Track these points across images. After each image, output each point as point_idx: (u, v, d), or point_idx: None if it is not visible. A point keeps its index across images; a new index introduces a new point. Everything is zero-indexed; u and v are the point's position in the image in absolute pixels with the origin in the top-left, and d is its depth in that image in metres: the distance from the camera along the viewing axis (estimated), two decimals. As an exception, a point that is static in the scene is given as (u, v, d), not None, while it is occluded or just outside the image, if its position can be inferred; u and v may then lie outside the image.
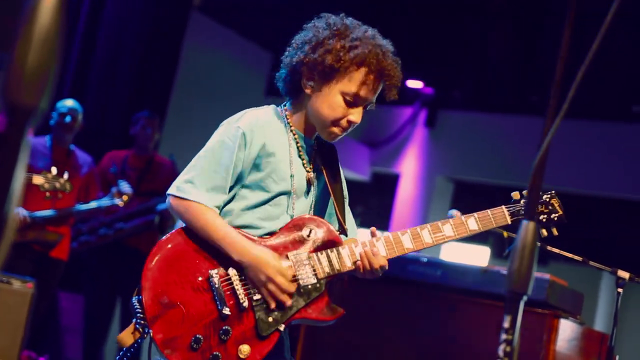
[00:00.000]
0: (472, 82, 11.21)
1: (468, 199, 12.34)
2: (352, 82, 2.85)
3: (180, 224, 2.88)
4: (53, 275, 6.29)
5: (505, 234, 4.19)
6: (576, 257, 4.16)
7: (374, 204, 14.38)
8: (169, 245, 2.76)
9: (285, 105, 3.01)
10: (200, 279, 2.74)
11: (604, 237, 12.42)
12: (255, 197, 2.84)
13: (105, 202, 6.10)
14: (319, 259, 2.83)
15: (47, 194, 5.10)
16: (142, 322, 2.66)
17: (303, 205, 2.94)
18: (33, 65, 1.10)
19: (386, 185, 12.47)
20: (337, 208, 2.98)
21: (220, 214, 2.82)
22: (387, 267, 2.88)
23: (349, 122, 2.90)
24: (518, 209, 3.04)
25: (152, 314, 2.67)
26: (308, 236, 2.85)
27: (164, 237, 2.80)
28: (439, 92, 11.65)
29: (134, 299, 2.71)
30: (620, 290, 4.10)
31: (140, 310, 2.67)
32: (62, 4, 1.12)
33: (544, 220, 3.10)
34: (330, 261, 2.84)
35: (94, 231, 6.67)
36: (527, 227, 1.71)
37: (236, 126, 2.83)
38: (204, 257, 2.76)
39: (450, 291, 4.61)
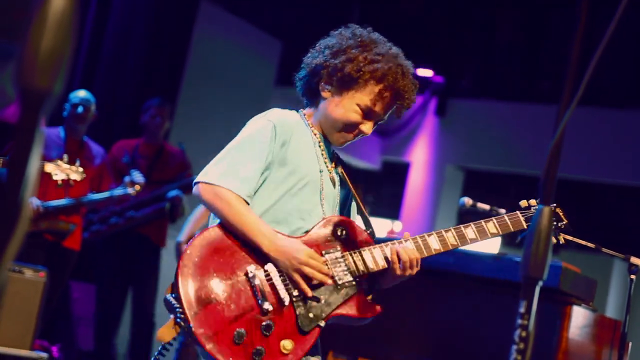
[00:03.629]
0: (482, 70, 11.17)
1: (478, 187, 12.32)
2: (368, 96, 2.90)
3: (212, 219, 2.87)
4: (65, 265, 6.31)
5: (517, 221, 4.17)
6: (589, 244, 4.14)
7: (384, 193, 14.36)
8: (205, 242, 2.74)
9: (303, 109, 3.06)
10: (238, 274, 2.73)
11: (617, 224, 12.39)
12: (279, 190, 2.84)
13: (118, 191, 6.10)
14: (352, 258, 2.86)
15: (59, 182, 5.10)
16: (182, 316, 2.63)
17: (331, 202, 2.97)
18: (47, 50, 1.10)
19: (396, 174, 12.46)
20: (364, 211, 3.02)
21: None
22: (419, 264, 2.93)
23: (359, 132, 2.96)
24: (531, 215, 3.10)
25: (191, 310, 2.64)
26: (340, 236, 2.88)
27: (198, 233, 2.77)
28: (449, 80, 11.62)
29: (169, 297, 2.68)
30: (633, 277, 4.09)
31: (178, 307, 2.64)
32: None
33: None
34: (364, 260, 2.87)
35: (104, 220, 6.68)
36: (543, 212, 1.70)
37: (267, 119, 2.85)
38: (241, 254, 2.75)
39: (463, 278, 4.60)
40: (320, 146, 2.97)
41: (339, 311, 2.82)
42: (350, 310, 2.85)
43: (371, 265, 2.88)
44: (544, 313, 4.04)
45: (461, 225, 3.05)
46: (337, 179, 3.02)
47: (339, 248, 2.87)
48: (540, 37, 10.34)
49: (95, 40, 7.86)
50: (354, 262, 2.86)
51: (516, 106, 11.33)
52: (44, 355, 5.38)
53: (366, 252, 2.88)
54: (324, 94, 2.95)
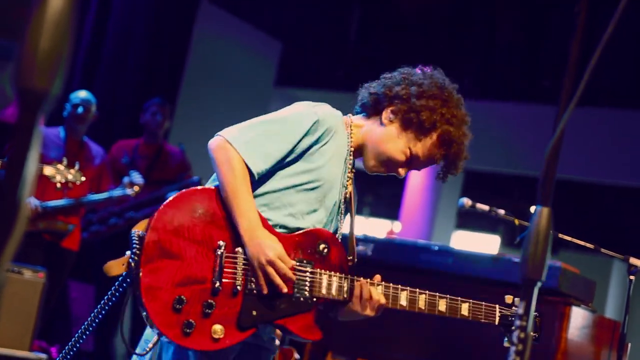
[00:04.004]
0: (482, 70, 11.17)
1: (478, 188, 12.33)
2: (425, 147, 2.90)
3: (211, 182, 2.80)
4: (64, 265, 6.30)
5: (516, 221, 4.17)
6: (588, 245, 4.14)
7: (383, 193, 14.37)
8: (193, 198, 2.65)
9: (353, 115, 3.01)
10: (208, 243, 2.64)
11: (616, 225, 12.40)
12: (289, 181, 2.77)
13: (117, 192, 6.10)
14: (320, 278, 2.77)
15: (58, 185, 5.10)
16: (136, 258, 2.56)
17: (333, 217, 2.91)
18: (45, 50, 1.09)
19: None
20: (353, 238, 2.95)
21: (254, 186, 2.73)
22: (381, 311, 2.87)
23: (395, 172, 2.94)
24: (509, 314, 3.07)
25: (148, 255, 2.57)
26: (321, 251, 2.79)
27: (194, 190, 2.68)
28: (452, 81, 11.60)
29: (135, 232, 2.61)
30: (632, 277, 4.09)
31: (138, 246, 2.57)
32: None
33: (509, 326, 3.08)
34: (329, 284, 2.78)
35: (104, 221, 6.68)
36: (541, 212, 1.70)
37: (313, 111, 2.78)
38: (220, 224, 2.66)
39: (461, 279, 4.60)
40: (350, 159, 2.93)
41: (282, 321, 2.74)
42: (293, 325, 2.75)
43: (334, 292, 2.78)
44: (543, 314, 4.04)
45: (437, 294, 2.99)
46: (347, 198, 2.96)
47: (313, 262, 2.77)
48: (541, 37, 10.34)
49: (95, 40, 7.86)
50: (320, 282, 2.76)
51: (516, 106, 11.33)
52: (43, 356, 5.38)
53: (335, 278, 2.79)
54: (386, 121, 2.91)
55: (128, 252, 2.61)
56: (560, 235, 4.18)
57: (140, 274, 2.56)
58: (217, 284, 2.62)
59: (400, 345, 4.73)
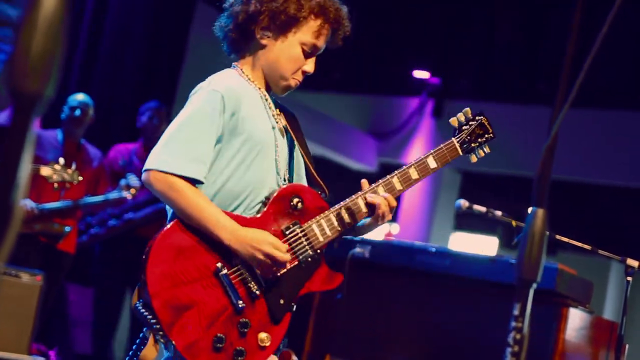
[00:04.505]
0: (480, 71, 11.18)
1: (476, 189, 12.33)
2: (310, 33, 2.83)
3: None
4: (61, 268, 6.30)
5: (513, 222, 4.18)
6: (585, 246, 4.15)
7: (381, 195, 14.35)
8: (166, 244, 2.61)
9: (236, 62, 2.91)
10: (206, 274, 2.62)
11: (613, 226, 12.41)
12: (234, 162, 2.72)
13: (113, 194, 6.10)
14: (312, 230, 2.78)
15: (55, 185, 5.10)
16: (161, 332, 2.54)
17: (283, 156, 2.87)
18: (38, 52, 1.09)
19: (394, 176, 12.44)
20: (312, 169, 2.94)
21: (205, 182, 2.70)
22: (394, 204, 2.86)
23: (304, 73, 2.89)
24: (463, 137, 3.09)
25: (167, 321, 2.54)
26: (296, 207, 2.77)
27: (159, 235, 2.63)
28: (446, 81, 11.63)
29: (139, 304, 2.59)
30: (629, 278, 4.09)
31: (152, 318, 2.55)
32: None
33: (482, 141, 3.16)
34: (322, 229, 2.79)
35: (103, 223, 6.67)
36: (537, 214, 1.70)
37: (212, 89, 2.70)
38: (206, 251, 2.63)
39: (458, 281, 4.60)
40: (266, 100, 2.86)
41: (306, 289, 2.78)
42: (316, 285, 2.79)
43: (330, 233, 2.80)
44: (540, 315, 4.04)
45: (405, 167, 2.97)
46: (283, 128, 2.92)
47: (297, 221, 2.77)
48: (539, 38, 10.34)
49: (92, 42, 7.85)
50: (314, 234, 2.77)
51: (514, 107, 11.33)
52: (42, 359, 5.37)
53: (323, 221, 2.79)
54: (264, 41, 2.82)
55: (148, 332, 2.61)
56: (558, 237, 4.18)
57: (173, 341, 2.54)
58: (239, 302, 2.64)
59: (397, 347, 4.73)
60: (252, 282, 2.67)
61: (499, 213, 4.32)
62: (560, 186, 10.52)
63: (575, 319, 4.30)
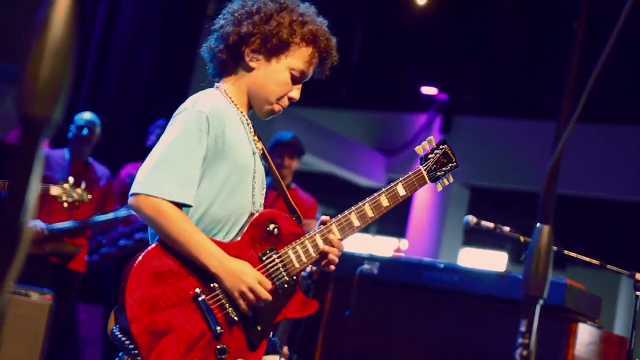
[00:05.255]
0: (487, 86, 11.20)
1: (484, 204, 12.32)
2: (300, 59, 2.82)
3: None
4: (71, 287, 6.31)
5: (522, 238, 4.18)
6: (594, 261, 4.14)
7: (390, 211, 14.35)
8: (147, 268, 2.59)
9: (219, 84, 2.88)
10: (185, 299, 2.59)
11: (622, 240, 12.38)
12: (217, 185, 2.70)
13: (122, 212, 6.11)
14: (288, 256, 2.76)
15: (65, 204, 5.12)
16: (139, 358, 2.50)
17: (259, 182, 2.85)
18: (46, 78, 1.11)
19: (402, 192, 12.44)
20: (287, 192, 2.93)
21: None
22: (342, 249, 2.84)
23: (289, 99, 2.86)
24: (430, 165, 3.08)
25: (145, 346, 2.51)
26: (272, 232, 2.76)
27: (138, 259, 2.60)
28: (454, 97, 11.64)
29: (116, 329, 2.56)
30: (638, 293, 4.08)
31: (130, 344, 2.51)
32: (75, 16, 1.13)
33: (446, 170, 3.12)
34: (298, 255, 2.77)
35: (114, 242, 6.69)
36: (542, 230, 1.71)
37: (197, 110, 2.66)
38: (184, 275, 2.61)
39: (467, 297, 4.60)
40: (247, 124, 2.84)
41: (282, 315, 2.76)
42: (292, 311, 2.78)
43: (305, 259, 2.78)
44: (549, 331, 4.04)
45: (376, 194, 2.97)
46: (260, 153, 2.90)
47: (274, 247, 2.75)
48: (545, 53, 10.36)
49: (100, 60, 7.90)
50: (290, 260, 2.75)
51: (521, 122, 11.34)
52: (51, 377, 5.38)
53: (298, 247, 2.78)
54: (253, 63, 2.80)
55: (126, 357, 2.54)
56: (566, 252, 4.17)
57: None
58: (217, 328, 2.61)
59: (401, 358, 4.72)
60: (230, 308, 2.65)
61: (506, 229, 4.32)
62: (568, 201, 10.51)
63: (585, 334, 4.29)
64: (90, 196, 5.26)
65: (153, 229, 2.65)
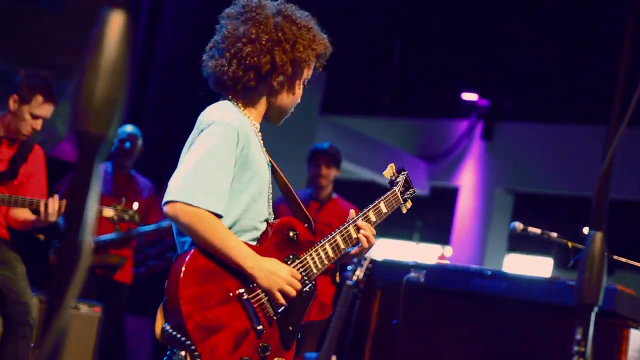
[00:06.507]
0: (527, 91, 11.12)
1: (529, 210, 12.22)
2: (310, 70, 2.97)
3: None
4: (118, 299, 6.36)
5: (569, 244, 4.14)
6: (643, 266, 4.09)
7: (433, 219, 14.29)
8: (196, 268, 2.67)
9: (232, 98, 2.93)
10: (230, 298, 2.70)
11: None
12: (247, 196, 2.79)
13: (165, 223, 6.15)
14: (307, 262, 2.88)
15: (117, 226, 5.18)
16: (196, 353, 2.59)
17: (269, 191, 2.95)
18: (101, 97, 1.13)
19: (445, 199, 12.41)
20: (298, 201, 3.01)
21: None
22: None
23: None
24: (399, 188, 3.23)
25: (199, 342, 2.61)
26: (293, 239, 2.87)
27: (186, 260, 2.67)
28: (495, 103, 11.58)
29: (167, 327, 2.65)
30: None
31: (186, 339, 2.60)
32: (128, 35, 1.15)
33: (408, 195, 3.26)
34: (315, 261, 2.89)
35: (161, 255, 6.73)
36: (595, 237, 1.69)
37: (227, 124, 2.75)
38: (227, 276, 2.71)
39: (515, 304, 4.56)
40: (260, 137, 2.92)
41: (306, 318, 2.88)
42: (313, 314, 2.91)
43: (321, 265, 2.90)
44: (600, 337, 3.99)
45: (377, 202, 3.13)
46: (269, 164, 2.99)
47: (295, 253, 2.87)
48: (586, 57, 10.26)
49: (141, 72, 7.97)
50: (309, 265, 2.87)
51: (563, 127, 11.25)
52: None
53: (315, 253, 2.89)
54: (278, 86, 2.88)
55: (182, 352, 2.62)
56: (615, 257, 4.13)
57: None
58: (260, 327, 2.73)
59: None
60: (270, 308, 2.76)
61: (554, 234, 4.29)
62: (614, 205, 10.37)
63: (636, 340, 4.24)
64: (139, 217, 5.28)
65: (190, 236, 2.71)
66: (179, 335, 2.61)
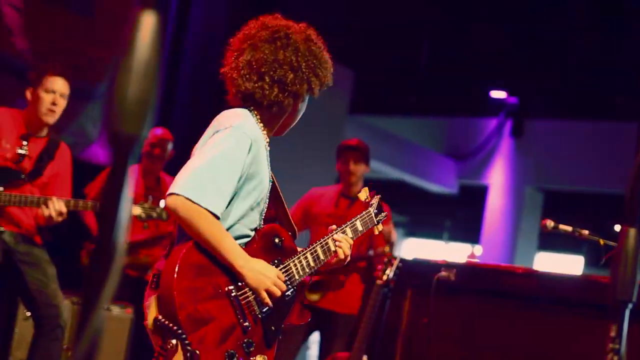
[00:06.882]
0: (557, 88, 11.05)
1: (559, 208, 12.15)
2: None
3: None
4: (149, 300, 6.39)
5: (601, 241, 4.11)
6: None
7: (462, 217, 14.24)
8: (190, 262, 2.77)
9: (253, 109, 3.04)
10: (220, 294, 2.80)
11: None
12: (247, 203, 2.90)
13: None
14: (290, 268, 2.98)
15: (145, 224, 5.21)
16: (186, 341, 2.68)
17: (265, 207, 3.07)
18: (133, 97, 1.13)
19: (474, 197, 12.37)
20: (287, 211, 3.12)
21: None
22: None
23: None
24: (374, 209, 3.33)
25: (189, 332, 2.70)
26: (278, 245, 2.99)
27: (183, 252, 2.77)
28: (524, 100, 11.51)
29: (158, 320, 2.73)
30: None
31: (177, 328, 2.69)
32: (160, 36, 1.15)
33: (380, 218, 3.36)
34: (298, 268, 2.99)
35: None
36: (629, 233, 1.68)
37: (243, 132, 2.87)
38: (218, 272, 2.81)
39: (547, 302, 4.53)
40: (268, 150, 3.04)
41: (287, 321, 2.99)
42: (293, 318, 3.02)
43: (302, 273, 3.01)
44: (634, 335, 3.96)
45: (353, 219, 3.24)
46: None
47: (280, 259, 2.97)
48: (616, 52, 10.18)
49: (171, 74, 8.00)
50: (292, 271, 2.98)
51: (592, 124, 11.17)
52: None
53: (297, 260, 3.00)
54: (299, 106, 3.08)
55: (174, 341, 2.70)
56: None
57: (198, 352, 2.70)
58: (246, 323, 2.83)
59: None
60: (256, 306, 2.87)
61: (585, 232, 4.26)
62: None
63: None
64: (169, 215, 5.31)
65: (186, 230, 2.80)
66: (171, 325, 2.69)
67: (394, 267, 5.03)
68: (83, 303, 1.16)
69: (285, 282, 2.92)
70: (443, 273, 4.77)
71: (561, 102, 11.30)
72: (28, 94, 4.76)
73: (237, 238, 2.87)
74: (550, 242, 13.39)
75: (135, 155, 1.18)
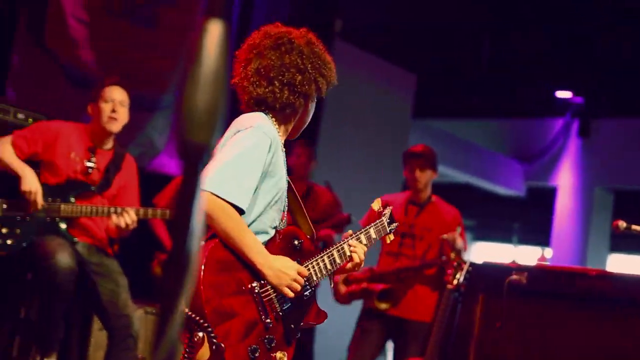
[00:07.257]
0: (622, 86, 10.86)
1: (631, 208, 11.92)
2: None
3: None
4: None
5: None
6: None
7: (531, 220, 14.07)
8: (216, 258, 2.86)
9: (269, 113, 3.12)
10: (243, 290, 2.88)
11: None
12: (266, 200, 2.99)
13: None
14: (311, 269, 3.08)
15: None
16: (212, 334, 2.75)
17: (285, 207, 3.18)
18: (202, 106, 1.14)
19: (543, 199, 12.21)
20: (307, 215, 3.23)
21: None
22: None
23: None
24: (387, 219, 3.42)
25: (215, 325, 2.78)
26: (297, 247, 3.08)
27: (209, 250, 2.85)
28: (590, 100, 11.34)
29: (188, 314, 2.78)
30: None
31: (204, 322, 2.76)
32: (227, 45, 1.15)
33: (392, 228, 3.44)
34: (315, 272, 3.09)
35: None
36: None
37: (264, 132, 2.96)
38: (241, 269, 2.89)
39: (622, 304, 4.44)
40: (284, 152, 3.13)
41: (305, 320, 3.07)
42: (311, 318, 3.10)
43: (320, 275, 3.11)
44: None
45: (364, 229, 3.32)
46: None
47: (299, 260, 3.05)
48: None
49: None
50: (312, 273, 3.07)
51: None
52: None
53: (315, 263, 3.09)
54: (310, 107, 3.18)
55: (200, 334, 2.77)
56: None
57: (223, 345, 2.77)
58: (267, 320, 2.92)
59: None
60: (277, 304, 2.96)
61: (659, 232, 4.16)
62: None
63: None
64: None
65: (210, 224, 2.87)
66: (197, 318, 2.75)
67: (464, 272, 4.99)
68: (159, 313, 1.16)
69: (304, 283, 3.01)
70: (514, 276, 4.71)
71: (628, 100, 11.10)
72: (89, 109, 4.85)
73: (256, 233, 2.95)
74: (623, 243, 13.15)
75: (205, 163, 1.19)
